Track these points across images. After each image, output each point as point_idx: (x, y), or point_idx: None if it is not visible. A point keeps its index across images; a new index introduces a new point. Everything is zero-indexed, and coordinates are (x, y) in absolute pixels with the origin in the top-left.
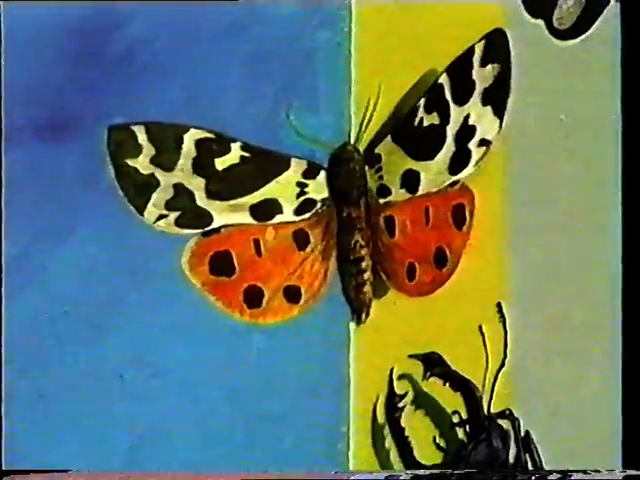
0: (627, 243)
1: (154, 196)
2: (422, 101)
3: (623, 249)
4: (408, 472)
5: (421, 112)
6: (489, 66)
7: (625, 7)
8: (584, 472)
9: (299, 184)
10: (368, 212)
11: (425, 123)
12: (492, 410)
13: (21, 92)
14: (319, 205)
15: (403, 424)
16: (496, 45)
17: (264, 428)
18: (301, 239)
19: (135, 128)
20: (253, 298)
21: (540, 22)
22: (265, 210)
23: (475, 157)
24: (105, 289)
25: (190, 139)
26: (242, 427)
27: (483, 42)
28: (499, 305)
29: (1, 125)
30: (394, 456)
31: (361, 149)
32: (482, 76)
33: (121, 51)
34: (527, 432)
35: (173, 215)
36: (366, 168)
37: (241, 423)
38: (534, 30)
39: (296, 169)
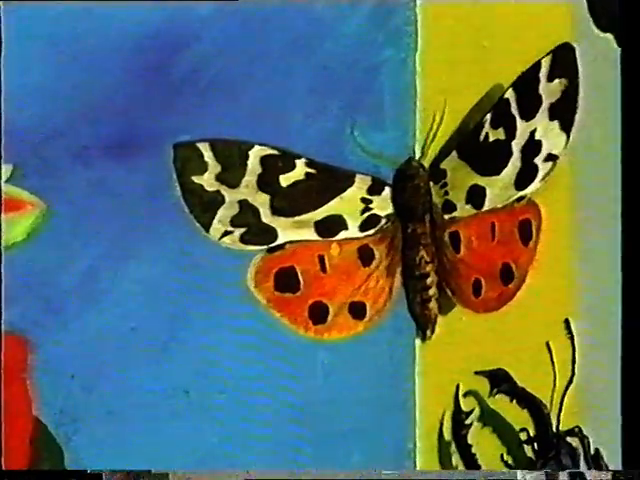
0: None
1: (219, 213)
2: (488, 116)
3: None
4: None
5: (487, 127)
6: (556, 81)
7: None
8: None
9: (364, 200)
10: (433, 228)
11: (491, 138)
12: (561, 428)
13: (88, 111)
14: (384, 221)
15: (470, 441)
16: (563, 60)
17: (330, 445)
18: (366, 255)
19: (201, 145)
20: (318, 314)
21: (609, 36)
22: (330, 226)
23: (542, 172)
24: (171, 306)
25: (255, 156)
26: (308, 444)
27: (550, 57)
28: (567, 321)
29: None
30: None
31: (426, 165)
32: (549, 91)
33: (187, 69)
34: (597, 450)
35: (238, 231)
36: (431, 184)
37: (307, 440)
38: (603, 44)
39: (361, 185)
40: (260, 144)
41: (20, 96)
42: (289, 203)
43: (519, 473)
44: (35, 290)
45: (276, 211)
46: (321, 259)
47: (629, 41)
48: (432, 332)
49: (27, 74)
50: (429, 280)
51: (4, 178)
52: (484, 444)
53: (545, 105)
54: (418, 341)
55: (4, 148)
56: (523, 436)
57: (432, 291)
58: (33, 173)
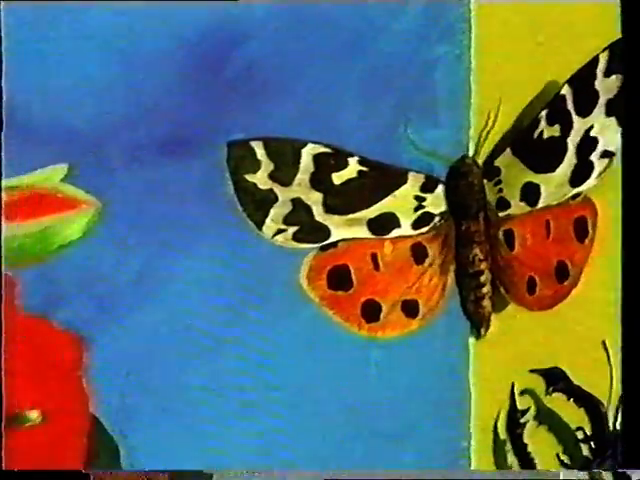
0: None
1: (272, 211)
2: (543, 113)
3: None
4: None
5: (542, 124)
6: (613, 76)
7: None
8: None
9: (417, 198)
10: (487, 225)
11: (546, 135)
12: (618, 426)
13: (143, 110)
14: (437, 219)
15: (525, 440)
16: (621, 55)
17: (384, 443)
18: (419, 253)
19: (254, 144)
20: (371, 312)
21: None
22: (383, 224)
23: (598, 169)
24: (225, 303)
25: (308, 154)
26: (361, 442)
27: (607, 52)
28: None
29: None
30: None
31: (480, 162)
32: (606, 87)
33: (240, 68)
34: None
35: (291, 230)
36: (485, 181)
37: (360, 438)
38: None
39: (414, 183)
40: (313, 142)
41: (75, 96)
42: (342, 201)
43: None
44: (90, 288)
45: (329, 209)
46: (374, 257)
47: None
48: (486, 330)
49: (82, 74)
50: (483, 278)
51: (60, 177)
52: (540, 443)
53: (602, 101)
54: (472, 339)
55: (60, 148)
56: (579, 435)
57: (486, 289)
58: (88, 172)
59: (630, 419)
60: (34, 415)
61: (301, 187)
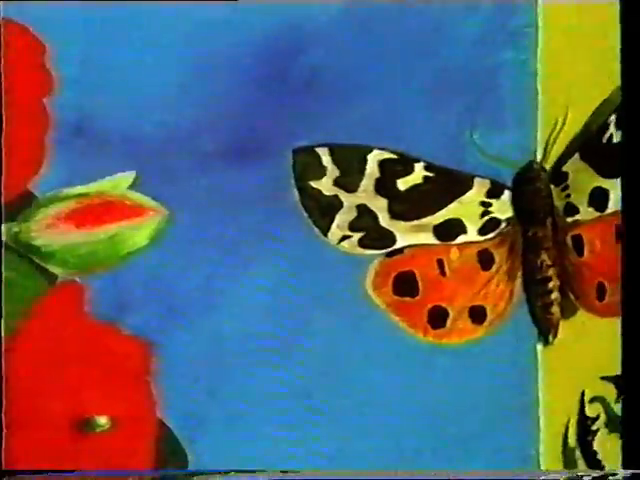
0: None
1: (338, 217)
2: (613, 117)
3: None
4: None
5: (611, 128)
6: None
7: None
8: None
9: (483, 204)
10: (555, 231)
11: (615, 140)
12: None
13: (208, 118)
14: (504, 225)
15: (596, 447)
16: None
17: (451, 450)
18: (486, 259)
19: (319, 150)
20: (437, 318)
21: None
22: (449, 230)
23: None
24: (291, 310)
25: (373, 160)
26: (428, 449)
27: None
28: None
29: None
30: None
31: (547, 167)
32: None
33: (305, 74)
34: None
35: (357, 236)
36: (552, 187)
37: (428, 445)
38: None
39: (480, 188)
40: (378, 148)
41: (142, 104)
42: (407, 207)
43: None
44: (158, 294)
45: (394, 215)
46: (440, 263)
47: None
48: (554, 337)
49: (149, 82)
50: (551, 284)
51: (127, 184)
52: (610, 450)
53: None
54: (540, 346)
55: (128, 155)
56: None
57: (554, 295)
58: (155, 180)
59: (630, 419)
60: (103, 421)
61: (366, 193)
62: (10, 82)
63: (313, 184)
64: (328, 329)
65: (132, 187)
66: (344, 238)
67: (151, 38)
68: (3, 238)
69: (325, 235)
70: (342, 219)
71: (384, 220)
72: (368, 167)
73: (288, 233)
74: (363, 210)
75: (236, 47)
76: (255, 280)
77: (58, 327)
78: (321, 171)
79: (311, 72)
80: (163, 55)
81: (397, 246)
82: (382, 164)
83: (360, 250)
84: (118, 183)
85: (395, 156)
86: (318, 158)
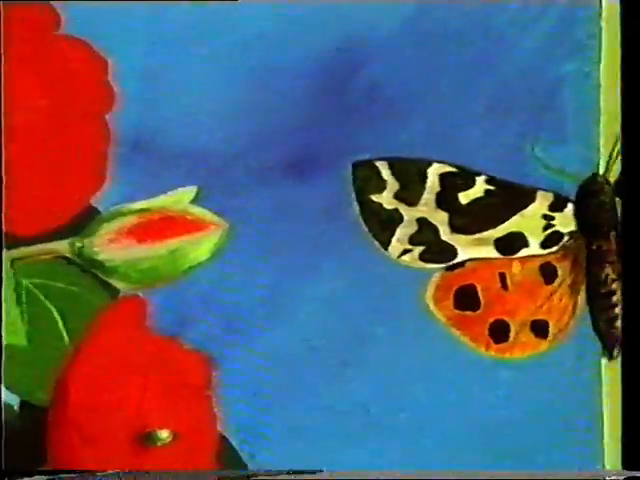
0: None
1: (398, 231)
2: None
3: None
4: None
5: None
6: None
7: None
8: None
9: (545, 217)
10: (619, 244)
11: None
12: None
13: (269, 132)
14: (566, 238)
15: None
16: None
17: (513, 465)
18: (548, 272)
19: (379, 164)
20: (499, 332)
21: None
22: (511, 243)
23: None
24: (351, 324)
25: (434, 173)
26: (490, 464)
27: None
28: None
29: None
30: None
31: (611, 180)
32: None
33: (365, 88)
34: None
35: (417, 250)
36: (616, 200)
37: (489, 459)
38: None
39: (542, 202)
40: (439, 162)
41: (203, 118)
42: (469, 221)
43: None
44: (219, 308)
45: (455, 229)
46: (502, 277)
47: None
48: (619, 351)
49: (209, 96)
50: (615, 298)
51: (189, 199)
52: None
53: None
54: (604, 360)
55: (189, 170)
56: None
57: (619, 309)
58: (216, 194)
59: (630, 419)
60: (165, 434)
61: (427, 207)
62: (72, 97)
63: (373, 198)
64: (388, 343)
65: (194, 202)
66: (405, 252)
67: (212, 53)
68: (67, 254)
69: (385, 249)
70: (402, 233)
71: (445, 234)
72: (429, 180)
73: (348, 247)
74: (424, 224)
75: (297, 61)
76: (315, 294)
77: (120, 341)
78: (381, 185)
79: (371, 86)
80: (224, 69)
81: (458, 260)
82: (443, 177)
83: (421, 264)
84: (180, 198)
85: (456, 169)
86: (378, 172)
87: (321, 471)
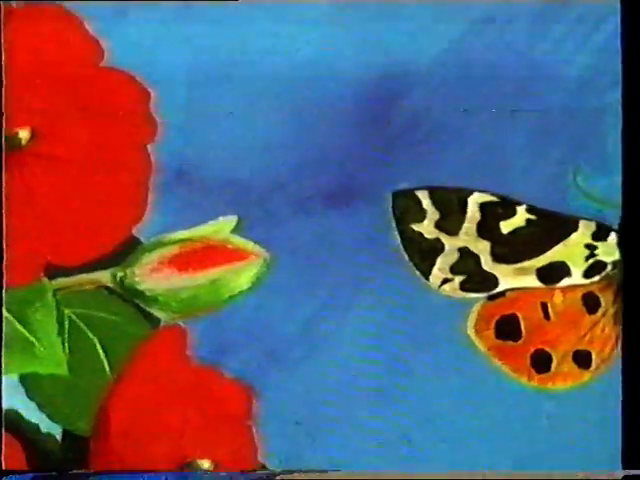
0: None
1: (439, 260)
2: None
3: None
4: None
5: None
6: None
7: None
8: None
9: (588, 246)
10: None
11: None
12: None
13: (309, 162)
14: (610, 267)
15: None
16: None
17: None
18: (591, 302)
19: (419, 193)
20: (541, 363)
21: None
22: (552, 273)
23: None
24: (392, 353)
25: (474, 203)
26: None
27: None
28: None
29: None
30: None
31: None
32: None
33: (406, 118)
34: None
35: (458, 279)
36: None
37: None
38: None
39: (584, 231)
40: (479, 191)
41: (244, 148)
42: (510, 250)
43: None
44: (259, 338)
45: (497, 258)
46: (544, 306)
47: None
48: None
49: (250, 127)
50: None
51: (230, 229)
52: None
53: None
54: None
55: (230, 200)
56: None
57: None
58: (257, 224)
59: (630, 419)
60: (206, 464)
61: (468, 236)
62: (115, 128)
63: (414, 227)
64: (429, 372)
65: (234, 231)
66: (445, 281)
67: (252, 84)
68: (109, 284)
69: (426, 278)
70: (443, 262)
71: (486, 263)
72: (469, 210)
73: (389, 276)
74: (465, 253)
75: (338, 91)
76: (356, 323)
77: (161, 371)
78: (422, 214)
79: (412, 115)
80: (264, 100)
81: (499, 289)
82: (483, 207)
83: (462, 293)
84: (221, 228)
85: (496, 199)
86: (418, 201)
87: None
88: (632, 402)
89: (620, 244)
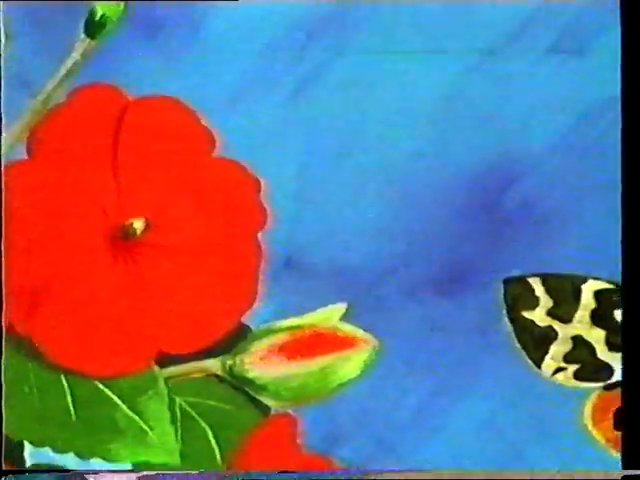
0: None
1: (552, 348)
2: None
3: None
4: None
5: None
6: None
7: None
8: None
9: None
10: None
11: None
12: None
13: (420, 249)
14: None
15: None
16: None
17: None
18: None
19: (532, 280)
20: None
21: None
22: None
23: None
24: (505, 442)
25: (589, 290)
26: None
27: None
28: None
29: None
30: None
31: None
32: None
33: (518, 203)
34: None
35: (572, 368)
36: None
37: None
38: None
39: None
40: (594, 278)
41: (352, 235)
42: None
43: None
44: (369, 426)
45: (612, 347)
46: None
47: None
48: None
49: (358, 213)
50: None
51: (339, 316)
52: None
53: None
54: None
55: (339, 287)
56: None
57: None
58: (366, 310)
59: (630, 419)
60: None
61: (582, 324)
62: (226, 217)
63: (526, 314)
64: (544, 462)
65: (343, 318)
66: (558, 370)
67: (360, 171)
68: (219, 372)
69: (538, 367)
70: (556, 351)
71: (601, 352)
72: (583, 297)
73: (500, 364)
74: (579, 341)
75: (448, 177)
76: (467, 411)
77: (272, 459)
78: (534, 301)
79: (523, 201)
80: (373, 186)
81: (616, 379)
82: (598, 294)
83: (576, 382)
84: (330, 315)
85: (611, 286)
86: (531, 288)
87: None
88: (632, 402)
89: None
